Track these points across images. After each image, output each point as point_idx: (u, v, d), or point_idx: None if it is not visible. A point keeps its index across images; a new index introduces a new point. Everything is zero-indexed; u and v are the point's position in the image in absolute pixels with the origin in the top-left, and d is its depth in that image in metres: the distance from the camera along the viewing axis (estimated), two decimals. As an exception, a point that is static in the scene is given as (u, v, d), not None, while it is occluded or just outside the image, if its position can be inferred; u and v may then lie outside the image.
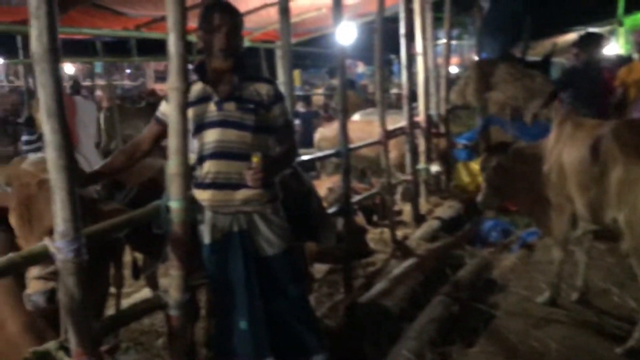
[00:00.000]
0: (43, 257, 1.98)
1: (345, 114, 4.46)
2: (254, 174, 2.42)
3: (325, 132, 7.98)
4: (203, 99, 2.62)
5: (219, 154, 2.60)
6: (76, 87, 9.40)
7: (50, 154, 1.89)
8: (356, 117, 8.29)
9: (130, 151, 2.75)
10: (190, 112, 2.54)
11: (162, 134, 2.60)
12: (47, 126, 1.89)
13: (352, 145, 4.67)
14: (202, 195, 2.62)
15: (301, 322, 2.74)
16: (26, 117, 9.08)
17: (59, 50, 1.87)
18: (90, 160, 4.53)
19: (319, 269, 4.77)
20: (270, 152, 2.69)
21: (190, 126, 2.57)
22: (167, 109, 2.50)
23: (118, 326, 2.50)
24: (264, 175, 2.43)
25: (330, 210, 4.40)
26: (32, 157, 3.81)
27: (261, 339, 2.64)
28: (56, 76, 1.86)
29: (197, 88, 2.63)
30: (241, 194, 2.59)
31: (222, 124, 2.60)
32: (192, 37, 6.44)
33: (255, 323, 2.63)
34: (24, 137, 8.44)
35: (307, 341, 2.73)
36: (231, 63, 2.59)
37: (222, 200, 2.60)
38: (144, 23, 6.12)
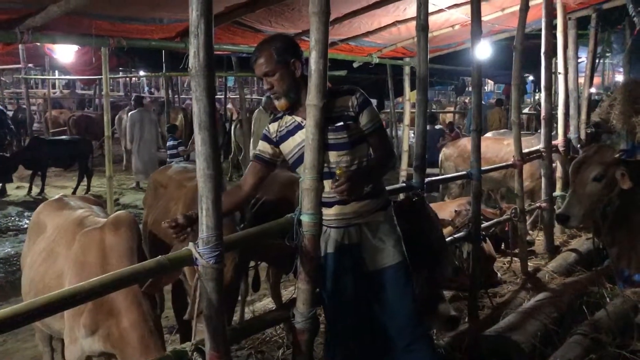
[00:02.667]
0: (187, 262, 2.06)
1: (479, 133, 4.28)
2: (338, 186, 2.37)
3: (448, 152, 7.77)
4: (295, 128, 2.62)
5: (327, 175, 2.56)
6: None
7: (200, 163, 1.97)
8: (488, 134, 7.99)
9: (233, 194, 2.70)
10: (287, 146, 2.62)
11: (264, 172, 2.67)
12: (198, 137, 1.97)
13: (484, 167, 4.47)
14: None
15: (414, 342, 2.63)
16: (169, 125, 9.83)
17: (213, 66, 1.95)
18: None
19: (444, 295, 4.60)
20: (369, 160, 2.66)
21: (290, 159, 2.64)
22: (265, 146, 2.65)
23: (248, 334, 2.56)
24: (350, 187, 2.37)
25: (457, 235, 4.24)
26: (175, 165, 4.10)
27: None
28: (210, 91, 1.94)
29: (286, 120, 2.65)
30: (349, 208, 2.57)
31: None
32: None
33: (363, 344, 2.58)
34: (169, 142, 9.16)
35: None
36: (287, 102, 2.57)
37: (333, 214, 2.60)
38: (279, 40, 6.35)
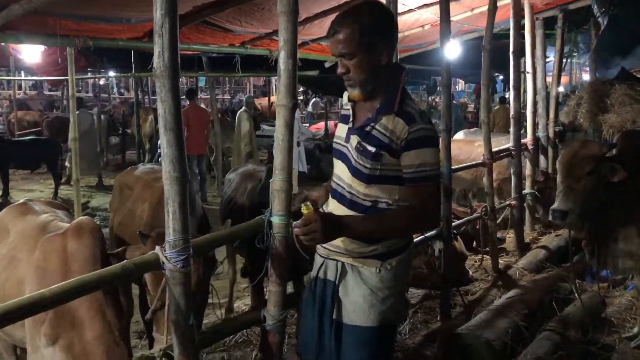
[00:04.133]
0: (154, 266, 2.02)
1: (449, 133, 4.30)
2: (297, 227, 1.91)
3: None
4: (345, 118, 2.20)
5: (334, 192, 2.22)
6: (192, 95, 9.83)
7: (166, 166, 1.93)
8: (460, 135, 8.05)
9: None
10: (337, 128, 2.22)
11: None
12: (164, 139, 1.93)
13: (454, 167, 4.50)
14: None
15: None
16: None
17: (178, 66, 1.91)
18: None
19: (415, 293, 4.63)
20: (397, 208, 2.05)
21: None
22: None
23: (218, 338, 2.52)
24: (308, 233, 1.88)
25: (429, 234, 4.26)
26: (141, 166, 4.03)
27: None
28: (175, 92, 1.90)
29: (346, 99, 2.22)
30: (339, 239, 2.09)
31: (342, 157, 2.16)
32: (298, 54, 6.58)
33: None
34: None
35: None
36: (361, 94, 2.07)
37: None
38: (249, 40, 6.30)
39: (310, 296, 2.27)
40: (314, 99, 20.42)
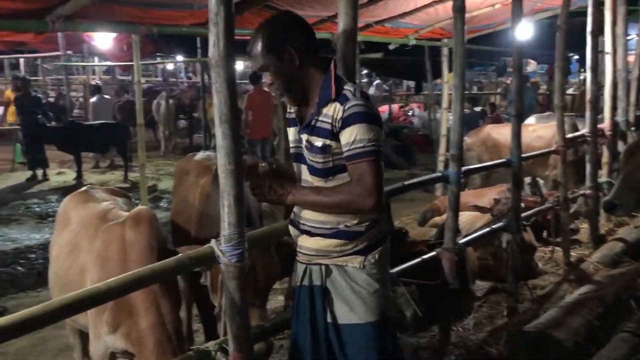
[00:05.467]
0: (209, 260, 1.99)
1: (520, 118, 4.08)
2: (251, 183, 2.01)
3: (470, 141, 7.46)
4: (292, 121, 2.21)
5: None
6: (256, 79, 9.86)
7: (221, 159, 1.88)
8: (531, 120, 7.68)
9: None
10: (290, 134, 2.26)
11: None
12: (219, 131, 1.88)
13: (525, 154, 4.27)
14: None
15: None
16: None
17: (234, 56, 1.85)
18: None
19: (480, 286, 4.45)
20: None
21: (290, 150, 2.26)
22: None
23: (270, 334, 2.48)
24: (258, 188, 2.02)
25: (495, 225, 4.07)
26: (200, 153, 4.04)
27: None
28: (231, 82, 1.84)
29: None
30: (313, 242, 2.11)
31: (298, 158, 2.18)
32: (359, 36, 6.43)
33: None
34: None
35: None
36: (292, 99, 2.13)
37: (300, 245, 2.20)
38: (311, 23, 6.22)
39: (299, 306, 2.22)
40: (377, 82, 20.13)
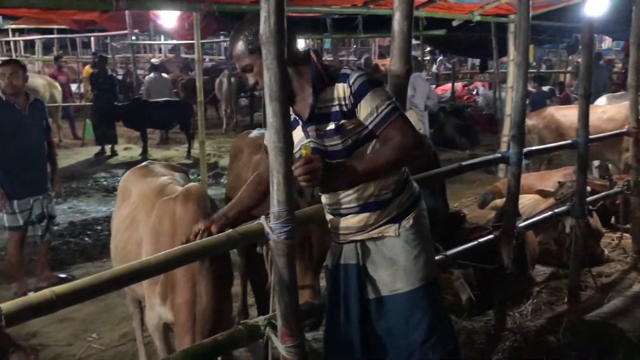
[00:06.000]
0: (258, 235, 2.00)
1: (587, 98, 3.86)
2: (296, 167, 1.87)
3: (532, 123, 7.14)
4: (294, 123, 2.14)
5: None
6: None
7: (271, 136, 1.88)
8: (602, 101, 7.28)
9: (255, 183, 2.29)
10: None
11: None
12: (269, 108, 1.87)
13: (593, 136, 4.05)
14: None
15: None
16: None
17: (284, 32, 1.83)
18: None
19: (540, 271, 4.30)
20: None
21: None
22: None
23: (320, 311, 2.49)
24: (307, 172, 1.85)
25: (559, 209, 3.91)
26: (255, 131, 4.06)
27: None
28: (281, 59, 1.82)
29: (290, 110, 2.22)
30: (346, 221, 2.12)
31: (317, 153, 2.10)
32: (421, 12, 6.25)
33: None
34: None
35: None
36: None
37: (332, 227, 2.20)
38: (372, 0, 6.11)
39: (333, 287, 2.20)
40: (439, 58, 19.62)
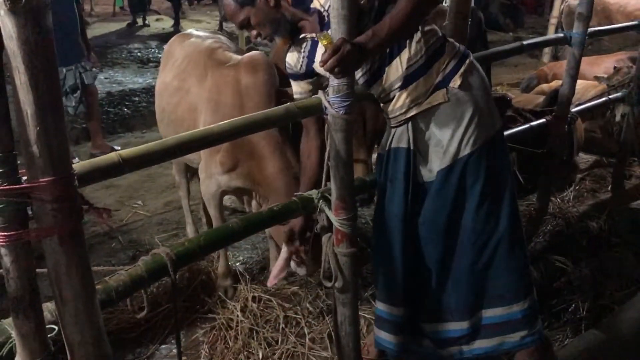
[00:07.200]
0: (317, 110, 1.96)
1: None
2: (325, 60, 1.68)
3: (572, 3, 6.62)
4: (313, 48, 2.11)
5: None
6: None
7: (334, 2, 1.76)
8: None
9: (311, 165, 2.23)
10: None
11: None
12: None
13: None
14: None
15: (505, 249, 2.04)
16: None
17: None
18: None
19: (583, 158, 4.23)
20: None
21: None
22: (300, 86, 2.16)
23: (371, 187, 2.50)
24: (339, 60, 1.67)
25: (613, 96, 3.75)
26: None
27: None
28: None
29: (302, 45, 2.14)
30: (393, 102, 2.03)
31: None
32: None
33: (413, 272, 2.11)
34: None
35: (510, 283, 2.07)
36: (282, 37, 2.07)
37: (388, 113, 2.10)
38: None
39: (382, 169, 2.13)
40: None
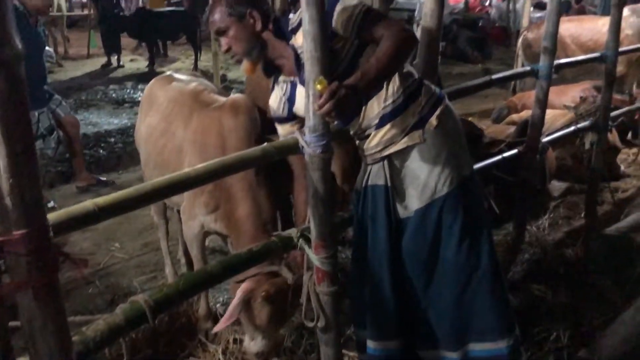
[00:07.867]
0: (293, 150, 1.98)
1: (621, 7, 3.69)
2: (320, 106, 1.71)
3: (532, 37, 6.81)
4: (292, 89, 2.15)
5: None
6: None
7: (307, 45, 1.80)
8: (625, 12, 6.98)
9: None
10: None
11: None
12: (305, 15, 1.78)
13: (622, 49, 3.93)
14: None
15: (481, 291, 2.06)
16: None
17: None
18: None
19: (556, 186, 4.32)
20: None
21: None
22: (286, 129, 2.23)
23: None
24: (336, 104, 1.68)
25: (580, 125, 3.86)
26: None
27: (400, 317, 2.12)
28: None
29: (282, 86, 2.21)
30: (375, 139, 2.05)
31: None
32: None
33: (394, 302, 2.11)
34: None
35: (490, 320, 2.08)
36: (250, 62, 2.09)
37: (363, 150, 2.13)
38: None
39: (359, 207, 2.16)
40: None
